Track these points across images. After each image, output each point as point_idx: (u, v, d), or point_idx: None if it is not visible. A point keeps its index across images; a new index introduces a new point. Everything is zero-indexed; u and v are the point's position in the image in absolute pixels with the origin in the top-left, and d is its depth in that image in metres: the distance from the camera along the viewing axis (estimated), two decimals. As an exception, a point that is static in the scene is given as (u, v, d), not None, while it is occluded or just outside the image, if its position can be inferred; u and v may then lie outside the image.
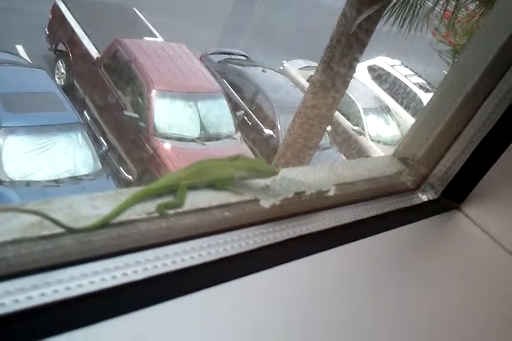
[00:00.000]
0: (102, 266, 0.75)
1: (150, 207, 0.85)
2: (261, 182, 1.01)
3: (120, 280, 0.74)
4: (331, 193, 1.08)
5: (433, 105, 1.27)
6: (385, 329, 0.98)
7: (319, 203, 1.07)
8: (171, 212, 0.86)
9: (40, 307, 0.67)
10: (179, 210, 0.88)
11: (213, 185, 0.97)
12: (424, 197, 1.30)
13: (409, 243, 1.23)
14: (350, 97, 9.05)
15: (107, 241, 0.78)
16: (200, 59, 8.96)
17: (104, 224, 0.79)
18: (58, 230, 0.73)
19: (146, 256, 0.79)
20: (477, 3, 6.48)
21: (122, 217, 0.81)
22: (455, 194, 1.30)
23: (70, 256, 0.73)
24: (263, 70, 9.29)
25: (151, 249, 0.81)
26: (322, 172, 1.13)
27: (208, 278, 0.83)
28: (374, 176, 1.22)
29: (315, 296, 0.95)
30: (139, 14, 9.24)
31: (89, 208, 0.81)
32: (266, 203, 0.97)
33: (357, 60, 5.57)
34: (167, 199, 0.89)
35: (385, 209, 1.19)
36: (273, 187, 1.01)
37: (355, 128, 9.43)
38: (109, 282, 0.74)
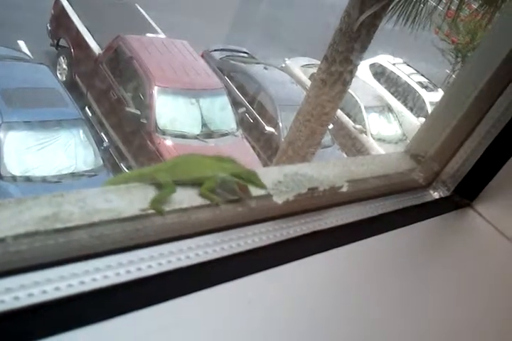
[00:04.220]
0: (116, 260, 0.74)
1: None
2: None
3: (134, 274, 0.73)
4: (344, 189, 1.06)
5: (446, 100, 1.26)
6: (399, 325, 0.97)
7: (332, 199, 1.06)
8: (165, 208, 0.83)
9: (54, 302, 0.66)
10: (192, 204, 0.86)
11: (196, 184, 0.89)
12: (436, 195, 1.28)
13: (420, 240, 1.22)
14: (352, 95, 9.01)
15: (120, 235, 0.76)
16: (202, 56, 8.93)
17: None
18: (72, 223, 0.72)
19: (160, 250, 0.78)
20: (480, 1, 6.46)
21: (136, 212, 0.79)
22: (467, 191, 1.28)
23: (84, 250, 0.72)
24: (265, 67, 9.25)
25: (165, 243, 0.79)
26: (335, 168, 1.11)
27: (220, 274, 0.82)
28: (386, 173, 1.21)
29: (328, 293, 0.94)
30: (141, 10, 9.21)
31: (102, 201, 0.79)
32: (279, 199, 0.96)
33: (359, 58, 5.54)
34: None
35: (396, 206, 1.18)
36: (286, 182, 1.00)
37: (357, 126, 9.41)
38: (123, 277, 0.72)
